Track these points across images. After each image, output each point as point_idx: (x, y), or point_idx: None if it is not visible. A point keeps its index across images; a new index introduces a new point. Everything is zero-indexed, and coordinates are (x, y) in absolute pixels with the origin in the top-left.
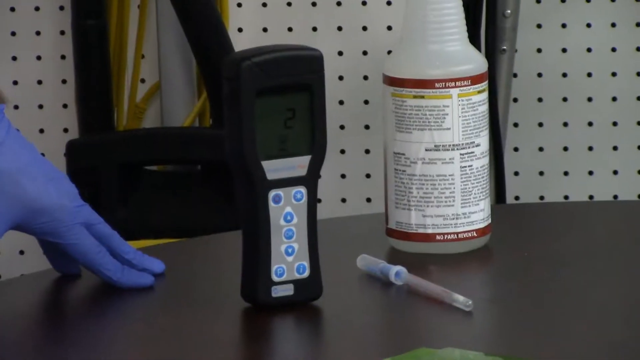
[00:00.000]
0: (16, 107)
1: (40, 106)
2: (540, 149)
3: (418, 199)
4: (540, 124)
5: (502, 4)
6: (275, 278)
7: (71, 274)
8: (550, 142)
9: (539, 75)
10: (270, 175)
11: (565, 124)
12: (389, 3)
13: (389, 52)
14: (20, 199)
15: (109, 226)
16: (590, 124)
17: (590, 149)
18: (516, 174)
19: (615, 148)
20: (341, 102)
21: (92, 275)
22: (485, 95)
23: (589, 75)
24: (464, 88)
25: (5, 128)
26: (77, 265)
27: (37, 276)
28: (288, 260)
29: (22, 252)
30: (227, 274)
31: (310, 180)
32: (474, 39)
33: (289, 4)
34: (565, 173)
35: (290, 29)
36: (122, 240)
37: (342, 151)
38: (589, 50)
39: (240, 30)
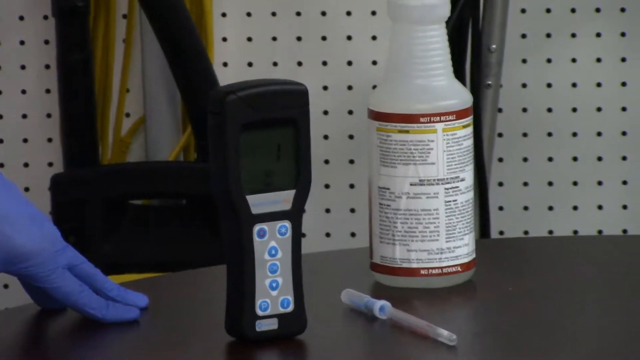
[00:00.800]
0: (1, 141)
1: (25, 140)
2: (525, 184)
3: (402, 233)
4: (525, 159)
5: (487, 38)
6: (259, 312)
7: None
8: (535, 177)
9: (524, 110)
10: (255, 210)
11: (550, 159)
12: (374, 38)
13: (374, 86)
14: (0, 245)
15: (92, 265)
16: (575, 158)
17: (575, 184)
18: (501, 208)
19: (600, 183)
20: (326, 137)
21: None
22: (470, 129)
23: (574, 110)
24: (449, 123)
25: None
26: (60, 302)
27: (21, 310)
28: (272, 295)
29: (6, 286)
30: (212, 308)
31: (294, 214)
32: (459, 74)
33: (274, 39)
34: (550, 208)
35: (275, 64)
36: (106, 278)
37: (327, 186)
38: (574, 85)
39: (225, 64)
